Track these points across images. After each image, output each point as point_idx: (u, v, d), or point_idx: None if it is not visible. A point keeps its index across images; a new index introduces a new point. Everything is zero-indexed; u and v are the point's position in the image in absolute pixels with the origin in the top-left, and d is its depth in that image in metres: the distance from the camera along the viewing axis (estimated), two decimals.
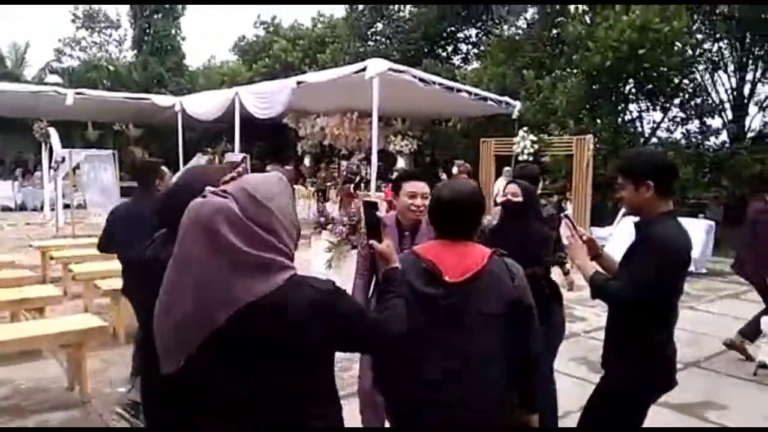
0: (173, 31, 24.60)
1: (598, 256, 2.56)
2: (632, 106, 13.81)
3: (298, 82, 12.26)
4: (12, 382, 4.22)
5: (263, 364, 1.40)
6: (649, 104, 13.84)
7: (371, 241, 1.78)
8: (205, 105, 15.70)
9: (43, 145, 14.40)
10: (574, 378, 4.65)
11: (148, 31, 23.98)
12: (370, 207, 1.85)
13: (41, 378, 4.32)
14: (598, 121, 12.14)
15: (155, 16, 24.06)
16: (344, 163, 14.50)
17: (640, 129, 13.98)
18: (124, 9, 25.21)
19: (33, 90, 16.32)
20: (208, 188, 1.44)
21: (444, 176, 12.04)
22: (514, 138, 10.50)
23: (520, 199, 3.38)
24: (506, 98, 12.87)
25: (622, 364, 2.42)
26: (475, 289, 1.92)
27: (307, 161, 17.11)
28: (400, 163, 14.06)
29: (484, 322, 1.94)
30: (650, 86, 12.23)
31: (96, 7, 25.53)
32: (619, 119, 12.87)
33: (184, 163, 17.22)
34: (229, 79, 21.36)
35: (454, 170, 10.23)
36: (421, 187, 2.94)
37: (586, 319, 6.53)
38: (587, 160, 9.70)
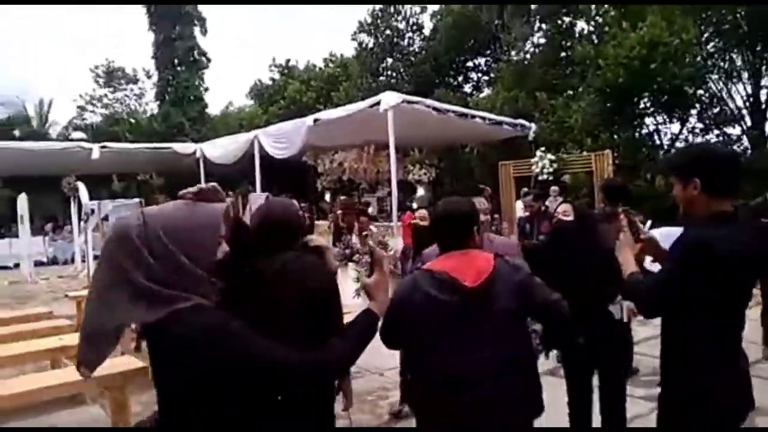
0: (196, 82, 25.42)
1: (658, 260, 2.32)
2: (649, 120, 13.81)
3: (315, 120, 12.52)
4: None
5: None
6: (665, 117, 13.83)
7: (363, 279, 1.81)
8: (224, 149, 16.09)
9: (72, 199, 14.80)
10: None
11: (171, 82, 24.80)
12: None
13: (83, 422, 4.39)
14: (615, 137, 12.15)
15: (179, 68, 24.94)
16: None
17: (658, 142, 13.92)
18: (147, 63, 26.21)
19: (60, 147, 16.90)
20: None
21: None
22: (532, 159, 10.53)
23: (571, 217, 3.36)
24: (521, 121, 12.97)
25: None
26: (492, 290, 2.07)
27: (327, 197, 17.29)
28: (420, 191, 14.14)
29: (504, 319, 2.09)
30: (665, 98, 12.24)
31: (115, 64, 26.55)
32: (636, 134, 12.86)
33: None
34: (246, 123, 21.86)
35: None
36: None
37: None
38: (608, 175, 9.68)
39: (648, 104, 12.95)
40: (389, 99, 10.57)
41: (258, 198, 12.93)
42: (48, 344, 4.97)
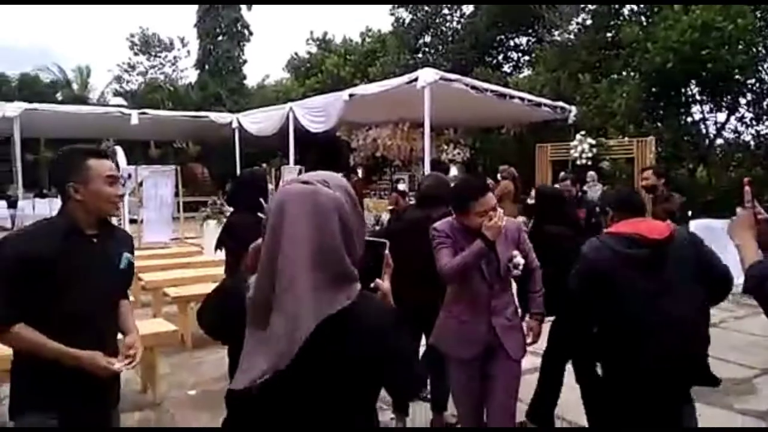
0: (237, 53, 25.55)
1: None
2: (695, 108, 13.29)
3: (350, 95, 12.45)
4: None
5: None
6: (713, 105, 13.29)
7: (376, 281, 1.43)
8: (260, 121, 16.16)
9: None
10: None
11: (212, 52, 24.97)
12: (375, 247, 1.46)
13: None
14: (659, 124, 11.74)
15: (221, 38, 25.09)
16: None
17: (704, 131, 13.42)
18: (185, 32, 26.39)
19: (100, 111, 17.22)
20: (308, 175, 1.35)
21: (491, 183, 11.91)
22: (572, 142, 10.26)
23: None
24: (561, 103, 12.66)
25: None
26: (674, 245, 2.43)
27: (360, 173, 17.25)
28: (453, 172, 13.96)
29: (687, 272, 2.42)
30: (715, 86, 11.74)
31: (150, 32, 26.75)
32: (681, 121, 12.41)
33: None
34: (283, 96, 21.88)
35: (499, 176, 10.09)
36: (490, 200, 2.73)
37: None
38: (649, 162, 9.38)
39: (696, 91, 12.45)
40: (427, 76, 10.41)
41: (291, 171, 12.99)
42: None
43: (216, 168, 20.80)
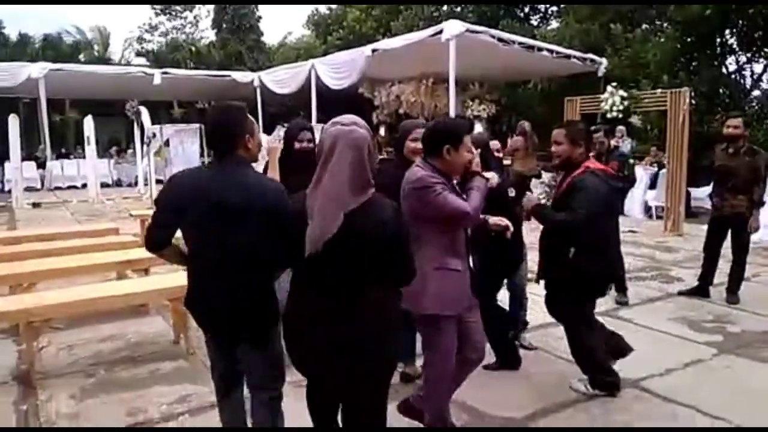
0: (250, 9, 25.15)
1: None
2: (731, 59, 12.77)
3: (373, 50, 12.22)
4: (124, 336, 4.50)
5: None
6: (750, 55, 12.74)
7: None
8: (282, 79, 16.01)
9: (135, 123, 15.16)
10: (675, 337, 4.51)
11: (227, 9, 24.62)
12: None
13: (149, 332, 4.58)
14: (694, 76, 11.31)
15: None
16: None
17: (740, 82, 12.92)
18: None
19: (123, 72, 17.26)
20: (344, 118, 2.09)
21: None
22: (602, 95, 9.95)
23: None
24: (591, 55, 12.26)
25: None
26: None
27: (382, 131, 17.07)
28: (478, 128, 13.74)
29: None
30: (753, 36, 11.23)
31: None
32: (717, 72, 11.95)
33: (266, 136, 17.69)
34: (304, 53, 21.60)
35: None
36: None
37: (684, 280, 6.24)
38: (683, 116, 9.05)
39: (732, 41, 11.94)
40: (452, 28, 10.15)
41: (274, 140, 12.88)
42: (115, 257, 5.17)
43: None
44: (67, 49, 23.86)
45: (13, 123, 12.38)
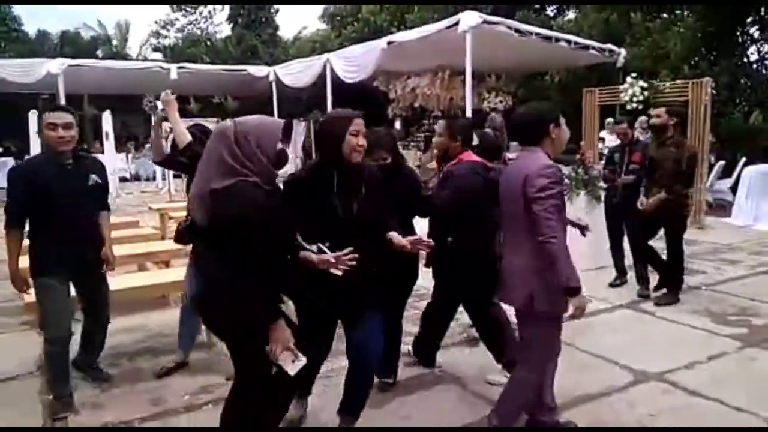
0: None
1: None
2: (752, 48, 12.53)
3: (389, 42, 12.13)
4: (144, 327, 4.55)
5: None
6: None
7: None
8: (297, 73, 15.97)
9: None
10: (698, 329, 4.46)
11: (243, 4, 24.67)
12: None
13: (169, 324, 4.60)
14: (715, 67, 11.11)
15: None
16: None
17: (763, 72, 12.67)
18: None
19: (140, 67, 17.31)
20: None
21: None
22: (621, 86, 9.81)
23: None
24: (609, 45, 12.07)
25: None
26: None
27: (397, 124, 17.00)
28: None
29: None
30: None
31: None
32: (739, 62, 11.72)
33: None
34: (319, 47, 21.56)
35: None
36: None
37: (706, 272, 6.17)
38: (704, 107, 8.91)
39: (754, 31, 11.70)
40: (468, 19, 10.03)
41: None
42: (136, 249, 5.22)
43: None
44: (86, 45, 24.08)
45: (33, 119, 12.52)
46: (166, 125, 3.73)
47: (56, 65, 14.75)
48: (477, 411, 3.11)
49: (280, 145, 2.20)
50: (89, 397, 3.42)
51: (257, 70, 17.66)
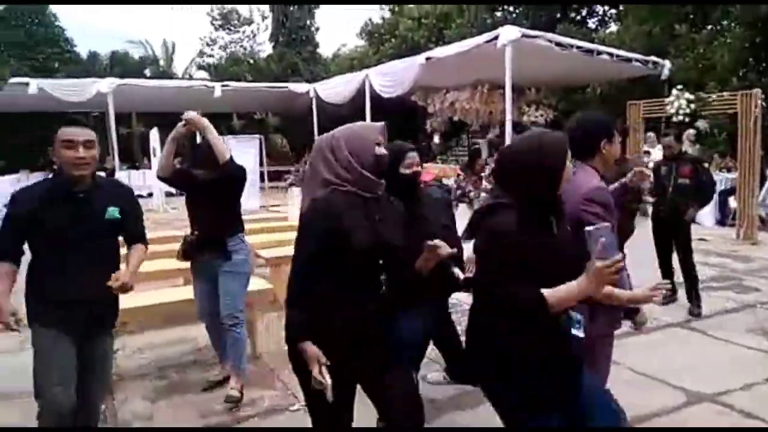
0: (308, 22, 25.66)
1: None
2: None
3: (427, 58, 12.22)
4: (193, 340, 4.64)
5: None
6: None
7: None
8: (336, 89, 16.22)
9: (197, 135, 15.67)
10: (754, 349, 4.30)
11: (285, 23, 25.20)
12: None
13: None
14: (764, 78, 10.76)
15: (292, 8, 25.24)
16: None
17: None
18: (257, 6, 26.72)
19: (186, 85, 17.91)
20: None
21: None
22: (667, 98, 9.60)
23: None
24: (653, 58, 11.86)
25: None
26: None
27: (436, 138, 17.03)
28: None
29: None
30: None
31: (229, 7, 27.24)
32: None
33: None
34: (358, 64, 21.83)
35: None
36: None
37: (760, 290, 5.93)
38: (754, 118, 8.63)
39: None
40: (508, 33, 10.03)
41: None
42: (182, 263, 5.32)
43: (294, 139, 21.18)
44: (134, 65, 24.96)
45: None
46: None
47: (106, 84, 15.36)
48: None
49: (378, 150, 2.05)
50: (140, 408, 3.50)
51: (298, 87, 18.02)
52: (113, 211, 2.51)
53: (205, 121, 3.43)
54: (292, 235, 6.54)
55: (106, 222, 2.49)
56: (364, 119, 14.84)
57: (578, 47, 10.80)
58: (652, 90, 11.51)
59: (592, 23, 18.53)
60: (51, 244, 2.39)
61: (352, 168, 2.00)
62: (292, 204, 10.66)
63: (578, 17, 18.18)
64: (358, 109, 15.21)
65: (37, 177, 17.23)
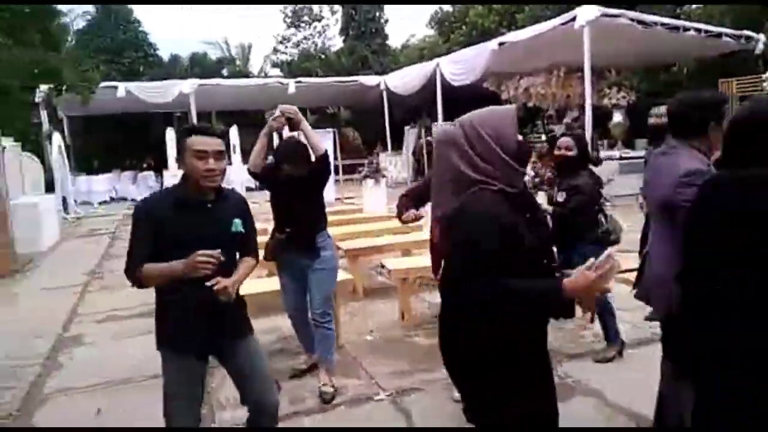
0: (377, 14, 25.81)
1: None
2: None
3: (500, 43, 11.98)
4: (278, 330, 4.78)
5: None
6: None
7: None
8: (406, 79, 16.21)
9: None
10: None
11: (354, 17, 25.45)
12: None
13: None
14: None
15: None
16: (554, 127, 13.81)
17: None
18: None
19: (261, 83, 18.43)
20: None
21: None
22: (764, 74, 8.94)
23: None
24: (746, 32, 11.06)
25: None
26: None
27: None
28: (617, 117, 12.95)
29: None
30: None
31: (300, 6, 27.80)
32: None
33: (392, 138, 18.03)
34: (428, 53, 21.71)
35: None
36: None
37: None
38: None
39: None
40: (586, 13, 9.66)
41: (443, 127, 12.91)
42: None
43: (366, 132, 21.39)
44: (212, 66, 26.01)
45: (170, 135, 13.70)
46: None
47: (188, 85, 16.06)
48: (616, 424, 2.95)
49: (519, 137, 1.79)
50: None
51: (369, 80, 18.15)
52: (238, 224, 2.35)
53: (301, 115, 3.43)
54: (368, 226, 6.67)
55: (233, 234, 2.33)
56: (435, 109, 14.79)
57: (663, 24, 10.24)
58: (745, 66, 10.75)
59: None
60: (179, 257, 2.15)
61: (496, 157, 1.72)
62: (367, 196, 10.77)
63: None
64: (428, 99, 15.15)
65: (127, 176, 18.39)
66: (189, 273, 2.11)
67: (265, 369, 2.50)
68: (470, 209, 1.69)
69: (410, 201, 3.47)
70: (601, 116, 12.80)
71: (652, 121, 11.41)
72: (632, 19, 9.93)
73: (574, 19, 9.80)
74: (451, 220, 1.72)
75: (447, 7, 24.84)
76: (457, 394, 2.99)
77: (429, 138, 17.25)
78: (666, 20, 10.52)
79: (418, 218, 3.44)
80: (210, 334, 2.32)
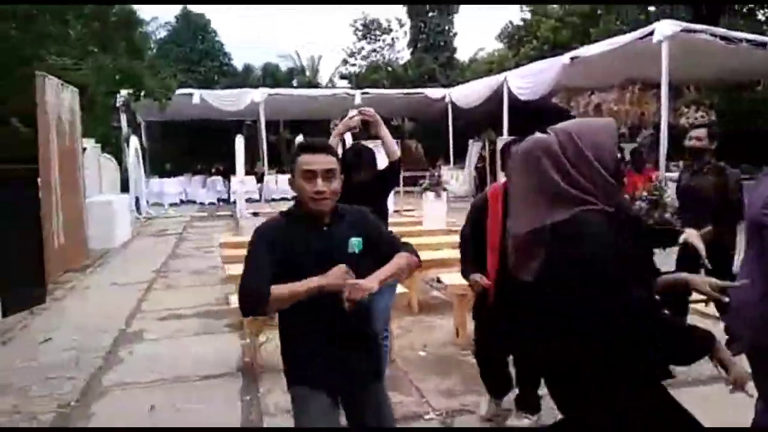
0: (446, 27, 25.85)
1: None
2: None
3: (572, 58, 11.67)
4: None
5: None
6: None
7: None
8: (471, 93, 16.07)
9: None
10: None
11: (423, 30, 25.60)
12: None
13: None
14: None
15: (431, 14, 25.58)
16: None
17: None
18: (396, 14, 27.46)
19: (329, 94, 18.79)
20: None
21: None
22: None
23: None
24: None
25: None
26: None
27: None
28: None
29: None
30: None
31: (371, 18, 28.23)
32: None
33: (455, 152, 17.92)
34: (496, 67, 21.48)
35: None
36: None
37: None
38: None
39: None
40: (665, 28, 9.25)
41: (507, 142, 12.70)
42: None
43: (428, 144, 21.35)
44: (283, 76, 26.75)
45: (240, 142, 14.11)
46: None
47: (259, 94, 16.57)
48: None
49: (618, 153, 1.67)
50: (282, 400, 3.63)
51: (434, 93, 18.16)
52: (356, 243, 2.09)
53: (379, 117, 3.38)
54: (427, 239, 6.59)
55: (350, 255, 2.05)
56: (501, 124, 14.55)
57: (748, 41, 9.69)
58: None
59: (761, 14, 16.57)
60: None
61: (596, 174, 1.60)
62: (427, 209, 10.68)
63: (745, 9, 16.35)
64: (493, 113, 14.95)
65: (197, 180, 19.11)
66: (329, 285, 1.90)
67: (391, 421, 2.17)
68: (587, 230, 1.56)
69: (475, 266, 3.20)
70: (677, 136, 12.17)
71: (691, 143, 10.82)
72: (714, 35, 9.44)
73: (651, 33, 9.41)
74: (562, 238, 1.59)
75: (517, 20, 24.55)
76: None
77: (483, 152, 17.02)
78: (752, 36, 9.95)
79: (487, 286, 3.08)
80: (343, 372, 2.06)
